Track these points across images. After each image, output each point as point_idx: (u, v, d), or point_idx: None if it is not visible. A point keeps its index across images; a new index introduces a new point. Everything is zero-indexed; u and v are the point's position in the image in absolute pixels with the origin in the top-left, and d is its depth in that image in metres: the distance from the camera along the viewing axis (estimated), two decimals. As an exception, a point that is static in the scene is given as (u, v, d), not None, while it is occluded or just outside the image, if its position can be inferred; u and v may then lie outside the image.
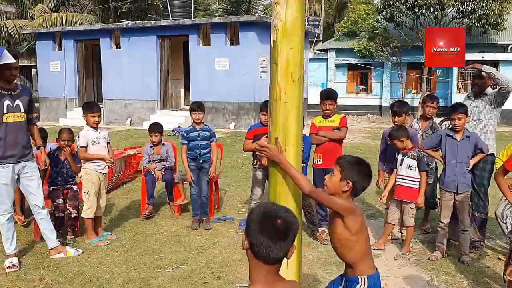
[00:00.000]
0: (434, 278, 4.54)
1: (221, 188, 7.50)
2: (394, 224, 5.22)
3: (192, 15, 20.76)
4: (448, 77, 21.87)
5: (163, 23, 18.46)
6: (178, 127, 15.94)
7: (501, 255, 4.99)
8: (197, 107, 6.01)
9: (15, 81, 4.85)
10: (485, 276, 4.58)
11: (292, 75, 2.73)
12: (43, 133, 6.06)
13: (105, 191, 5.66)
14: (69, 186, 5.64)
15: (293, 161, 2.74)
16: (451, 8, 20.42)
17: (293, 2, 2.69)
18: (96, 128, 5.52)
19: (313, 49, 24.81)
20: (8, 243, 4.70)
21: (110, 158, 5.54)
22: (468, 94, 5.58)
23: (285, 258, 1.92)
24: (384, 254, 5.13)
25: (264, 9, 28.70)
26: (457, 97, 18.45)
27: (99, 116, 5.53)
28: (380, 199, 5.37)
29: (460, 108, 4.89)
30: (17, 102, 4.70)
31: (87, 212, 5.38)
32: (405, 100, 22.12)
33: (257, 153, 2.81)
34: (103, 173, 5.53)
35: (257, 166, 5.68)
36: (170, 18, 19.27)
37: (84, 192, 5.41)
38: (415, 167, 5.00)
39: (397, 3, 20.48)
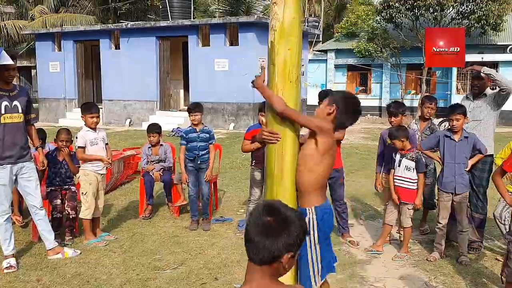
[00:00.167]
0: (432, 279, 4.54)
1: (219, 189, 7.50)
2: (391, 225, 5.22)
3: (192, 16, 20.76)
4: (448, 78, 21.88)
5: (163, 23, 18.45)
6: (178, 127, 15.93)
7: (499, 256, 4.99)
8: (193, 108, 5.99)
9: (13, 82, 4.85)
10: (483, 277, 4.58)
11: (290, 76, 2.74)
12: (42, 133, 6.08)
13: (103, 192, 5.66)
14: (67, 186, 5.64)
15: (290, 162, 2.75)
16: (451, 9, 20.43)
17: (290, 2, 2.69)
18: (94, 129, 5.51)
19: (313, 50, 24.81)
20: (6, 243, 4.69)
21: (108, 159, 5.53)
22: (466, 95, 5.57)
23: None
24: (382, 255, 5.13)
25: (264, 10, 28.71)
26: (457, 98, 18.45)
27: (98, 116, 5.52)
28: (394, 201, 5.25)
29: (459, 109, 4.89)
30: (15, 102, 4.70)
31: (85, 213, 5.37)
32: (405, 100, 22.24)
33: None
34: (101, 174, 5.52)
35: (256, 167, 5.68)
36: (170, 19, 19.27)
37: (82, 193, 5.40)
38: (413, 168, 5.00)
39: (397, 4, 20.49)
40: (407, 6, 20.27)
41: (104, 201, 5.77)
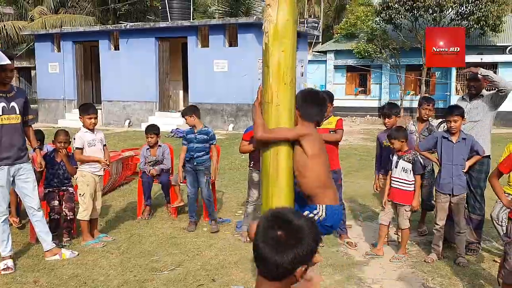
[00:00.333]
0: (429, 280, 4.54)
1: (218, 190, 7.50)
2: (386, 225, 5.20)
3: (191, 16, 20.77)
4: (447, 79, 21.89)
5: (162, 24, 18.46)
6: (177, 128, 15.95)
7: (497, 257, 4.98)
8: (184, 113, 6.04)
9: (11, 83, 4.85)
10: (480, 278, 4.57)
11: (284, 77, 2.74)
12: (40, 135, 6.07)
13: (100, 193, 5.65)
14: (65, 188, 5.64)
15: (285, 164, 2.75)
16: (450, 10, 20.46)
17: (284, 4, 2.69)
18: (92, 130, 5.50)
19: (312, 51, 24.82)
20: (3, 245, 4.69)
21: (106, 160, 5.53)
22: (462, 96, 5.59)
23: None
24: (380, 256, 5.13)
25: (263, 11, 28.64)
26: (456, 99, 18.41)
27: (96, 117, 5.52)
28: (383, 204, 5.29)
29: (456, 110, 4.89)
30: (13, 104, 4.70)
31: (83, 214, 5.37)
32: (404, 101, 22.25)
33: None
34: (99, 175, 5.52)
35: (254, 168, 5.68)
36: (169, 19, 19.28)
37: (80, 194, 5.40)
38: (410, 170, 5.00)
39: (396, 5, 20.52)
40: (407, 7, 20.30)
41: (102, 202, 5.77)
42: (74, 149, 5.46)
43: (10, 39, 24.99)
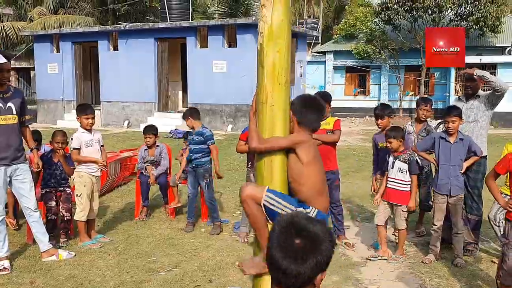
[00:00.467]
0: (427, 281, 4.53)
1: (216, 191, 7.48)
2: (383, 225, 5.18)
3: (190, 17, 20.77)
4: (446, 80, 21.90)
5: (161, 25, 18.46)
6: (175, 129, 15.94)
7: (494, 258, 4.98)
8: (184, 115, 6.11)
9: (8, 84, 4.83)
10: (478, 279, 4.56)
11: (279, 78, 2.72)
12: (37, 135, 6.05)
13: (98, 193, 5.65)
14: (62, 188, 5.63)
15: (280, 163, 2.74)
16: (449, 10, 20.48)
17: (279, 5, 2.68)
18: (90, 130, 5.50)
19: (311, 52, 24.83)
20: (0, 245, 4.68)
21: (103, 161, 5.52)
22: (459, 97, 5.60)
23: None
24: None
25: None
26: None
27: (93, 118, 5.51)
28: (374, 202, 5.37)
29: (454, 111, 4.88)
30: (9, 104, 4.69)
31: (80, 214, 5.36)
32: (403, 102, 22.26)
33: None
34: (96, 176, 5.51)
35: (251, 169, 5.67)
36: (168, 20, 19.28)
37: (77, 194, 5.39)
38: (406, 170, 4.99)
39: (395, 5, 20.54)
40: (406, 8, 20.32)
41: (99, 203, 5.76)
42: (71, 149, 5.45)
43: (9, 39, 24.99)
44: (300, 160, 2.67)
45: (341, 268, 4.80)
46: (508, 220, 3.86)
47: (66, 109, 20.50)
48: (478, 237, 5.30)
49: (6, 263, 4.66)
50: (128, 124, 19.21)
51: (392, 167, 5.06)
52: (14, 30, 24.60)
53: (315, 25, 26.83)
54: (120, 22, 22.18)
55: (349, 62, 24.16)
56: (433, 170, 5.61)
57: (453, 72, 21.16)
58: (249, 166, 5.75)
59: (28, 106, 5.20)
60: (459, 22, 20.53)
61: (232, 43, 17.57)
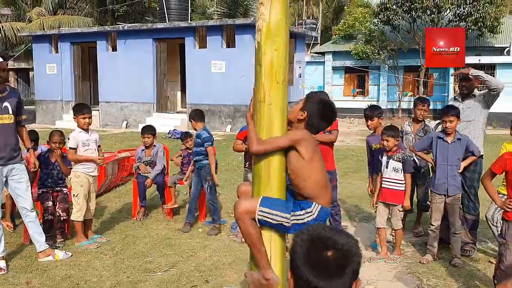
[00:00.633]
0: (424, 281, 4.51)
1: (214, 191, 7.46)
2: (383, 227, 5.17)
3: (189, 17, 20.76)
4: (445, 80, 21.90)
5: (159, 25, 18.45)
6: (174, 129, 15.93)
7: (492, 258, 4.96)
8: (190, 115, 6.13)
9: (5, 83, 4.82)
10: (475, 279, 4.55)
11: (277, 76, 2.70)
12: (34, 135, 6.04)
13: (95, 194, 5.63)
14: (59, 188, 5.61)
15: (277, 163, 2.72)
16: (448, 11, 20.47)
17: (277, 3, 2.67)
18: (87, 130, 5.48)
19: (310, 52, 24.83)
20: (-4, 246, 4.66)
21: (100, 158, 5.49)
22: (454, 97, 5.61)
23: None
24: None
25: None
26: (454, 100, 18.44)
27: (90, 117, 5.49)
28: (373, 205, 5.33)
29: (452, 110, 4.87)
30: (5, 104, 4.68)
31: (77, 215, 5.34)
32: (402, 102, 22.26)
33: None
34: (93, 176, 5.49)
35: (249, 169, 5.65)
36: (167, 20, 19.27)
37: (74, 194, 5.37)
38: (401, 170, 4.98)
39: (394, 6, 20.53)
40: (405, 9, 20.31)
41: (97, 203, 5.75)
42: (68, 149, 5.43)
43: (8, 40, 25.00)
44: (302, 157, 2.64)
45: (339, 268, 4.77)
46: (505, 220, 3.85)
47: (65, 110, 20.48)
48: (476, 237, 5.28)
49: (2, 264, 4.64)
50: (126, 124, 19.20)
51: (387, 167, 5.05)
52: (13, 30, 24.61)
53: (314, 26, 26.84)
54: (118, 23, 22.17)
55: (348, 63, 24.15)
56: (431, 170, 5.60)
57: (452, 72, 21.16)
58: (246, 166, 5.74)
59: (27, 107, 5.17)
60: (457, 22, 20.53)
61: (230, 44, 17.56)
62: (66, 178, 5.68)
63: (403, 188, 5.00)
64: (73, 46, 20.23)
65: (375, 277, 4.61)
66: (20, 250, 5.22)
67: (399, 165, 4.99)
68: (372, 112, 5.49)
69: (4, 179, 4.71)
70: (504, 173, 3.90)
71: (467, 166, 4.97)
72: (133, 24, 20.37)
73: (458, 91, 5.60)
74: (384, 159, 5.09)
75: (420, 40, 20.59)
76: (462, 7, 20.11)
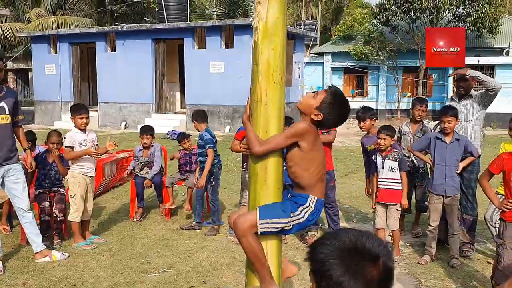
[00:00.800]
0: (423, 282, 4.50)
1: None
2: (382, 229, 5.15)
3: (188, 18, 20.75)
4: (444, 81, 21.90)
5: (158, 26, 18.44)
6: (173, 130, 15.91)
7: (490, 259, 4.94)
8: (192, 116, 6.10)
9: (0, 83, 4.80)
10: (474, 280, 4.54)
11: (274, 76, 2.69)
12: (31, 136, 6.02)
13: (92, 194, 5.61)
14: (56, 189, 5.59)
15: (273, 164, 2.70)
16: (447, 12, 20.48)
17: (274, 2, 2.65)
18: (84, 130, 5.46)
19: (310, 53, 24.83)
20: (-8, 247, 4.64)
21: (97, 152, 5.44)
22: (451, 97, 5.61)
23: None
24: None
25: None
26: (453, 101, 18.43)
27: (87, 117, 5.47)
28: (371, 206, 5.31)
29: (451, 111, 4.86)
30: (2, 104, 4.66)
31: (74, 215, 5.32)
32: (401, 103, 22.25)
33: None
34: (90, 176, 5.47)
35: (247, 169, 5.64)
36: (166, 21, 19.25)
37: (71, 195, 5.35)
38: (397, 169, 4.97)
39: (393, 7, 20.53)
40: (404, 9, 20.31)
41: (95, 204, 5.72)
42: (64, 148, 5.40)
43: (7, 41, 24.98)
44: (303, 147, 2.61)
45: (337, 269, 4.76)
46: (503, 220, 3.83)
47: (64, 110, 20.45)
48: (474, 237, 5.27)
49: (-1, 264, 4.62)
50: (125, 125, 19.18)
51: (383, 167, 5.04)
52: (11, 31, 24.59)
53: (313, 27, 26.84)
54: (117, 23, 22.15)
55: (347, 63, 24.14)
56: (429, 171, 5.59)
57: (450, 72, 21.17)
58: (244, 166, 5.74)
59: (26, 107, 5.15)
60: (456, 23, 20.54)
61: (229, 44, 17.55)
62: (63, 178, 5.66)
63: (400, 187, 4.99)
64: (72, 46, 20.21)
65: (373, 278, 4.59)
66: (17, 251, 5.20)
67: (395, 165, 4.98)
68: (364, 114, 5.51)
69: (1, 179, 4.69)
70: (502, 173, 3.88)
71: (465, 167, 4.96)
72: (132, 25, 20.35)
73: (456, 91, 5.60)
74: (379, 159, 5.08)
75: (419, 40, 20.60)
76: (461, 8, 20.12)
